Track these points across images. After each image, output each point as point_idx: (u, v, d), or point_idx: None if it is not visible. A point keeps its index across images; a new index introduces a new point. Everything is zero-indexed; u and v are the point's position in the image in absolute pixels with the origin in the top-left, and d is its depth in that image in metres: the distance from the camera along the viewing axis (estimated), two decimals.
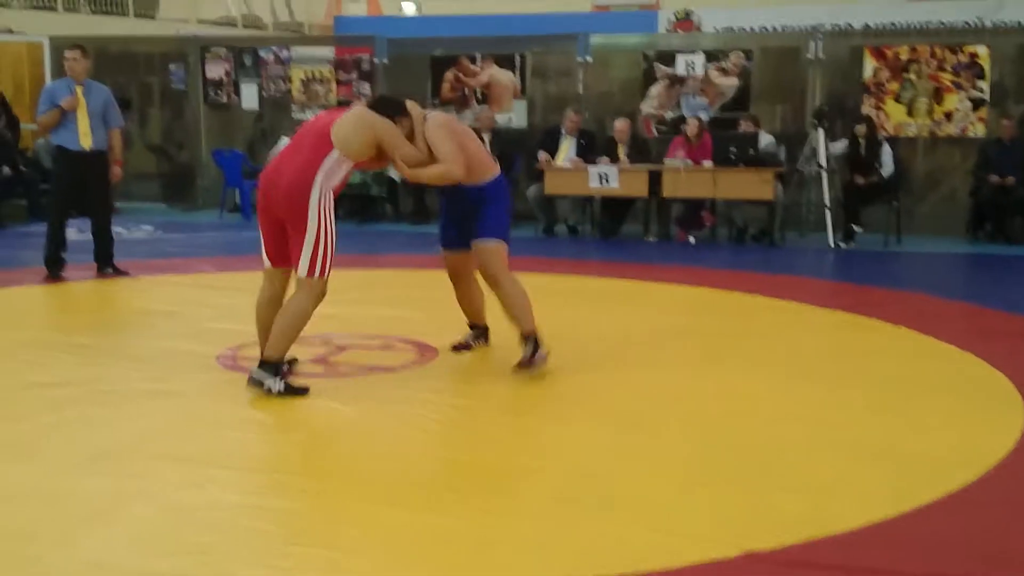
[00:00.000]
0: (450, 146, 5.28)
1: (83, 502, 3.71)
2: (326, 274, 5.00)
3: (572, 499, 3.75)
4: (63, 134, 8.12)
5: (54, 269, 8.22)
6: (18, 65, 14.21)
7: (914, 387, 5.28)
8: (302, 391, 5.00)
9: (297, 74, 13.08)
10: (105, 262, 8.40)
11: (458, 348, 5.91)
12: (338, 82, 12.96)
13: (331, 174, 4.99)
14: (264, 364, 4.99)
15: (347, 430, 4.64)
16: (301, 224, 4.93)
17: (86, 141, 8.11)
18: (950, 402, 5.00)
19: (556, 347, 6.06)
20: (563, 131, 11.39)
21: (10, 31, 15.23)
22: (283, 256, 5.11)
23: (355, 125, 5.09)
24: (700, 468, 4.08)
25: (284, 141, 11.97)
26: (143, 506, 3.68)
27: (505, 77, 12.44)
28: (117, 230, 8.90)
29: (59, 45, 13.34)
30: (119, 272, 8.38)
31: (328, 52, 13.24)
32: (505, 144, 11.90)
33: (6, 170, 11.62)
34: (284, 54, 13.24)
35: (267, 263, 5.20)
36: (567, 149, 11.30)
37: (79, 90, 8.12)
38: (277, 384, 4.95)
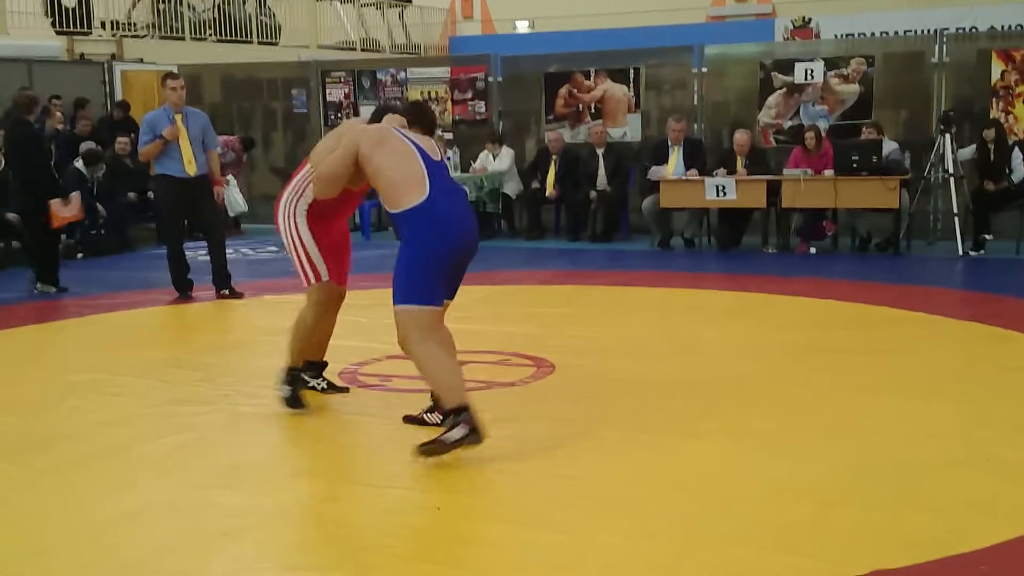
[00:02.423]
0: (336, 153, 4.57)
1: (218, 517, 3.82)
2: (320, 279, 5.05)
3: (700, 519, 3.71)
4: (167, 163, 8.32)
5: (184, 291, 8.52)
6: (149, 93, 14.79)
7: None
8: (300, 405, 5.12)
9: (414, 94, 13.29)
10: (222, 283, 8.55)
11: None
12: (454, 101, 13.13)
13: (298, 191, 4.98)
14: (283, 371, 5.19)
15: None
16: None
17: (191, 168, 8.31)
18: None
19: (676, 361, 6.01)
20: (670, 142, 11.32)
21: (141, 60, 15.87)
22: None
23: (328, 136, 5.05)
24: (835, 488, 3.97)
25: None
26: (276, 521, 3.78)
27: (619, 91, 12.42)
28: (244, 251, 9.16)
29: (188, 73, 13.85)
30: (235, 294, 8.52)
31: (444, 72, 13.42)
32: (618, 158, 11.89)
33: (132, 196, 12.08)
34: (401, 75, 13.48)
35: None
36: (676, 160, 11.22)
37: (178, 119, 8.33)
38: (284, 390, 5.15)
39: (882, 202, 10.14)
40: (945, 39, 11.39)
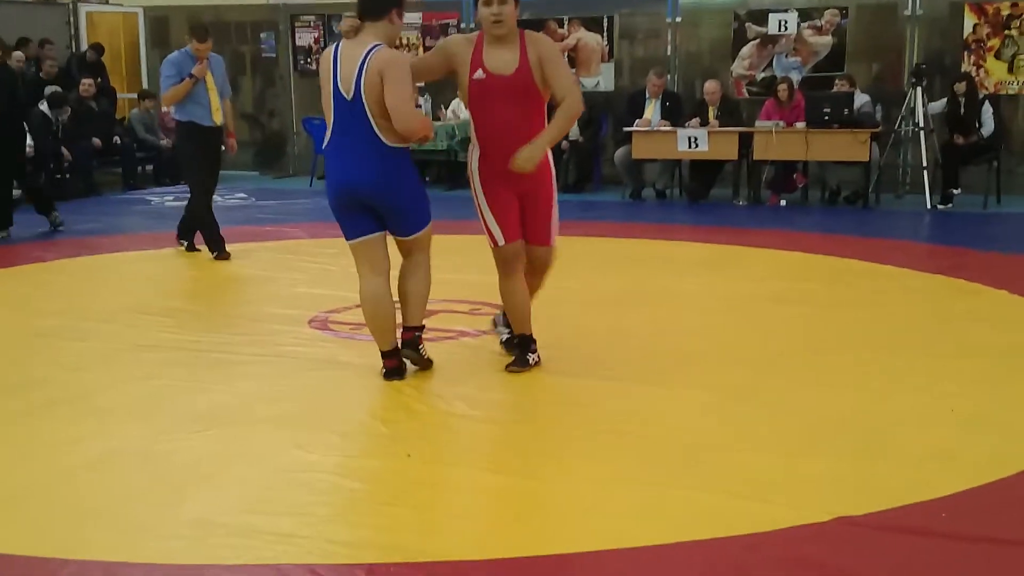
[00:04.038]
0: None
1: (188, 463, 3.81)
2: (496, 243, 4.87)
3: (671, 467, 3.73)
4: (194, 110, 7.74)
5: (220, 249, 7.95)
6: (114, 35, 14.52)
7: (1018, 354, 5.12)
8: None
9: None
10: (186, 233, 8.20)
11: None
12: (426, 48, 12.98)
13: (474, 141, 4.94)
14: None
15: (437, 394, 4.65)
16: None
17: (218, 116, 7.81)
18: None
19: (648, 313, 6.03)
20: (647, 94, 11.26)
21: (106, 1, 15.56)
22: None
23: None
24: (803, 438, 4.01)
25: None
26: (245, 467, 3.77)
27: (593, 40, 12.33)
28: (214, 198, 9.02)
29: (154, 15, 13.64)
30: (192, 249, 8.16)
31: (415, 18, 13.26)
32: (591, 108, 11.82)
33: (96, 141, 11.91)
34: None
35: None
36: (652, 112, 11.17)
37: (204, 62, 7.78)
38: (529, 358, 4.97)
39: (852, 155, 10.18)
40: None
